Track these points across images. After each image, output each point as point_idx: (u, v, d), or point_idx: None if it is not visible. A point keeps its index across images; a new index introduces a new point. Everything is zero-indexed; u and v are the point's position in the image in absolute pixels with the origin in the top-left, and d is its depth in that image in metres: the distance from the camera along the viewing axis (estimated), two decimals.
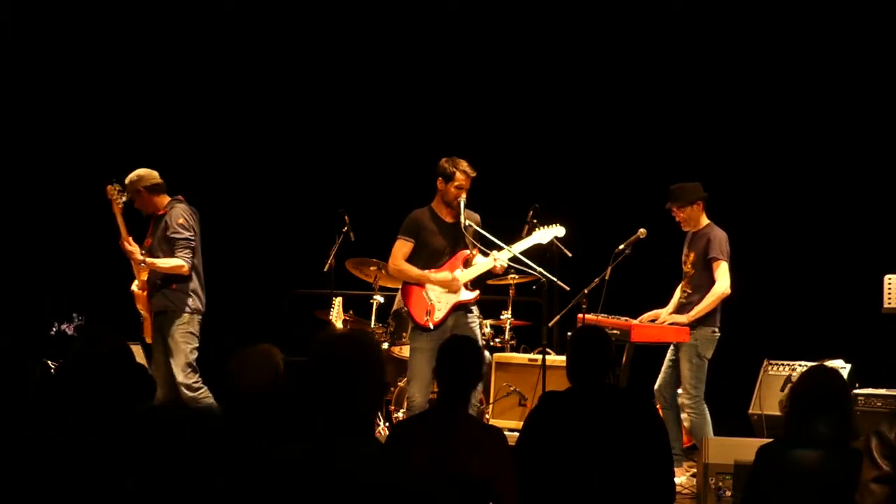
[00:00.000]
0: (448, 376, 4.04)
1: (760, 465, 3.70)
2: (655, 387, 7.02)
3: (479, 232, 6.62)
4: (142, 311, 6.70)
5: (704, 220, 6.99)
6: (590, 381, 4.12)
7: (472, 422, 4.19)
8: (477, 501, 3.80)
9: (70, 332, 8.30)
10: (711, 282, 6.83)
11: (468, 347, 4.20)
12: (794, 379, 7.01)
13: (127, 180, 6.62)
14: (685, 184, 7.00)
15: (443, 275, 6.51)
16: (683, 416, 6.93)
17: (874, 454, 3.02)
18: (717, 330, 6.85)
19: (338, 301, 7.88)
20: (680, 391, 6.93)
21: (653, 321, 6.97)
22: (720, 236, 6.90)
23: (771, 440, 3.89)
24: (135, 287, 6.69)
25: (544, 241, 6.69)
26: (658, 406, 6.98)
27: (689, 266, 6.97)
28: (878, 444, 3.03)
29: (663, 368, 7.03)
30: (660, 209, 7.13)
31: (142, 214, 6.73)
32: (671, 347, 6.98)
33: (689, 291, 6.94)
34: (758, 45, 9.09)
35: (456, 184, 6.48)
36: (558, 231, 6.72)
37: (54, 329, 8.32)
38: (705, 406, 6.81)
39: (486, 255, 6.57)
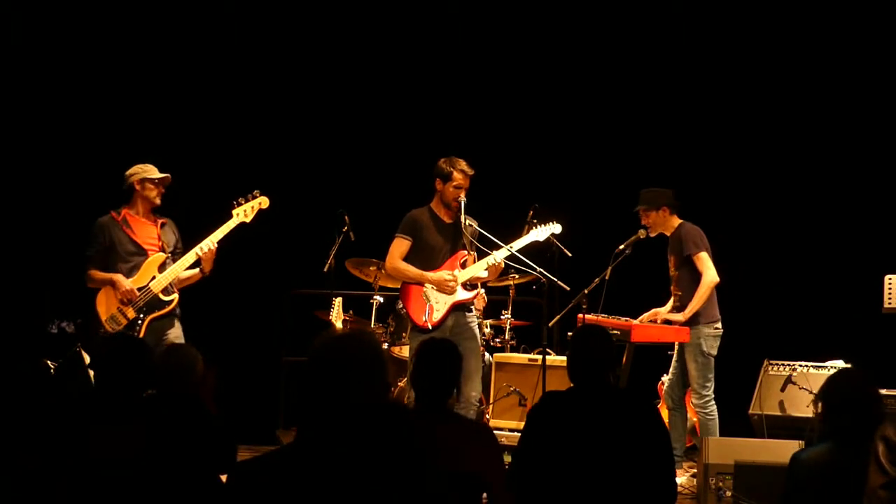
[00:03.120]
0: (427, 380, 3.98)
1: (797, 472, 3.67)
2: (664, 388, 7.03)
3: (477, 231, 6.61)
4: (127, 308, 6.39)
5: (674, 223, 6.98)
6: (591, 381, 4.12)
7: (458, 419, 4.16)
8: (468, 495, 3.80)
9: (70, 330, 8.28)
10: (697, 277, 6.82)
11: (446, 351, 4.11)
12: (794, 379, 7.06)
13: (161, 175, 6.44)
14: (655, 188, 7.00)
15: (439, 274, 6.50)
16: (692, 415, 6.92)
17: (881, 460, 2.99)
18: (719, 326, 6.84)
19: (338, 301, 7.88)
20: (689, 391, 6.92)
21: (653, 321, 6.97)
22: (691, 231, 6.89)
23: (801, 447, 3.83)
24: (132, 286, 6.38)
25: (541, 238, 6.68)
26: (666, 407, 6.99)
27: (674, 269, 6.99)
28: (884, 449, 3.00)
29: (671, 370, 7.02)
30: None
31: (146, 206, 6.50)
32: (677, 348, 6.98)
33: (680, 293, 6.94)
34: (758, 44, 9.09)
35: (454, 183, 6.46)
36: (555, 228, 6.71)
37: (55, 328, 8.29)
38: (715, 406, 6.78)
39: (484, 254, 6.56)
